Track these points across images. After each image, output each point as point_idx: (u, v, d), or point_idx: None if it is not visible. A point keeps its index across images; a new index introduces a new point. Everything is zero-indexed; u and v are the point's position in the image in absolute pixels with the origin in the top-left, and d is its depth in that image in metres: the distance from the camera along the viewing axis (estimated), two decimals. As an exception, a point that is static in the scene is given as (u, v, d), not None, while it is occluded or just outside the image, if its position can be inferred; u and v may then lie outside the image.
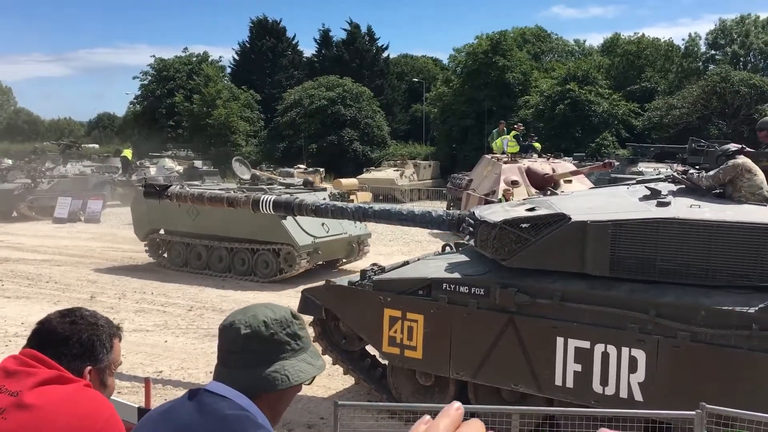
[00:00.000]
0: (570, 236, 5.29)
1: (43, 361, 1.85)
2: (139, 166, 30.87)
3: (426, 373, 6.04)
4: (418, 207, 8.15)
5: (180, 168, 32.84)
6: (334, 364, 6.58)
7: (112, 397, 3.88)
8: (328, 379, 7.18)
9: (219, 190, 13.11)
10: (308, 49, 51.50)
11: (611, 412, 4.63)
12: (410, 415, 5.60)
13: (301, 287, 7.01)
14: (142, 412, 3.71)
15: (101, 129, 69.65)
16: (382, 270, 6.35)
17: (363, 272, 6.24)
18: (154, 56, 48.32)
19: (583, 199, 5.92)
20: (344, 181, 29.46)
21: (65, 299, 11.19)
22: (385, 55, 50.20)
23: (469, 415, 4.45)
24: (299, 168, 31.21)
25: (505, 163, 15.76)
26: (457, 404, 0.77)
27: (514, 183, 14.57)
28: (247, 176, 15.55)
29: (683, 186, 5.68)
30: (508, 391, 5.72)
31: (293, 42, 51.16)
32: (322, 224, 12.39)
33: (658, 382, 4.99)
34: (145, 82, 47.62)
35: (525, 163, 15.85)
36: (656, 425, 4.83)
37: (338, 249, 13.41)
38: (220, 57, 63.60)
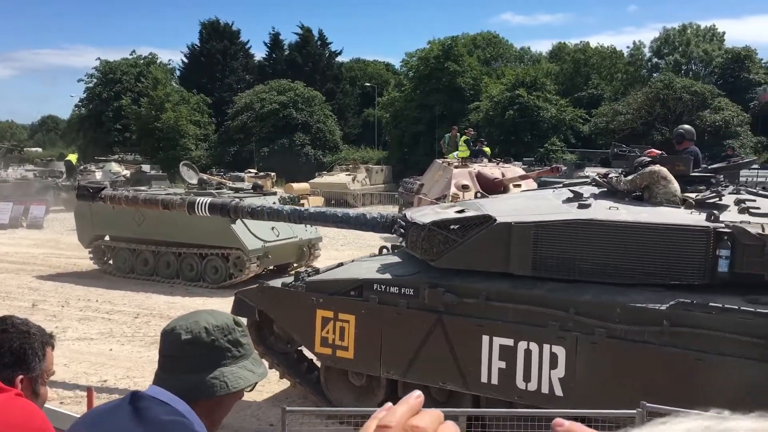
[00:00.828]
0: (495, 237, 5.46)
1: None
2: (84, 171, 30.20)
3: (358, 374, 6.14)
4: (368, 211, 8.23)
5: (127, 172, 32.24)
6: (270, 368, 6.62)
7: (54, 408, 3.86)
8: (277, 385, 7.19)
9: (165, 194, 13.01)
10: (259, 53, 51.22)
11: (551, 413, 4.74)
12: (359, 419, 5.68)
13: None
14: None
15: (45, 132, 67.95)
16: (317, 272, 6.44)
17: (297, 274, 6.31)
18: (99, 59, 47.35)
19: (511, 202, 6.13)
20: (296, 185, 29.41)
21: (5, 307, 10.91)
22: (338, 59, 50.35)
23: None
24: (250, 172, 31.02)
25: (456, 167, 16.00)
26: (417, 392, 0.78)
27: (465, 187, 14.77)
28: (194, 181, 15.31)
29: (605, 189, 5.92)
30: (437, 390, 5.86)
31: (245, 45, 50.84)
32: (272, 228, 12.32)
33: (577, 377, 5.20)
34: (91, 84, 46.67)
35: (475, 167, 16.10)
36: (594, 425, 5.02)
37: (289, 253, 13.37)
38: (170, 60, 62.64)
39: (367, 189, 32.80)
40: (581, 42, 43.24)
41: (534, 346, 5.31)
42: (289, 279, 6.33)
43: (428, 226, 5.60)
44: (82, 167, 30.51)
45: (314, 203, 26.03)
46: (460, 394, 5.75)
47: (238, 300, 6.42)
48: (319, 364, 6.45)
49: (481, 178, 15.25)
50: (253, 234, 12.11)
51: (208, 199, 6.98)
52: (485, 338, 5.44)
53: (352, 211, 6.75)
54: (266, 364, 6.62)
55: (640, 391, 5.01)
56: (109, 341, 9.25)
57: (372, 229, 6.54)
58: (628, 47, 42.70)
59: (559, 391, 5.27)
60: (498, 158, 20.33)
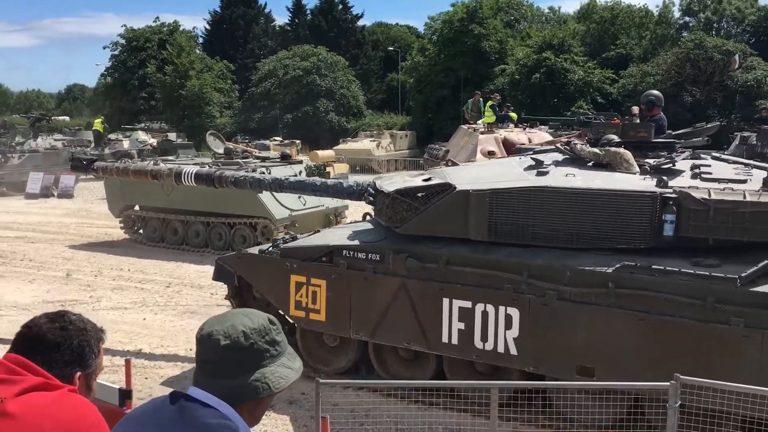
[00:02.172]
0: (455, 204, 5.76)
1: (29, 367, 1.86)
2: (112, 140, 30.81)
3: (332, 335, 6.54)
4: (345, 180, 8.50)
5: (154, 141, 32.83)
6: None
7: None
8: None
9: (193, 165, 13.35)
10: (281, 18, 51.30)
11: (592, 385, 5.02)
12: (392, 390, 6.02)
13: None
14: (123, 393, 3.77)
15: (72, 101, 69.19)
16: (293, 239, 6.81)
17: (274, 241, 6.69)
18: (124, 26, 47.98)
19: (475, 170, 6.40)
20: (321, 153, 29.66)
21: (41, 277, 11.34)
22: (360, 23, 50.18)
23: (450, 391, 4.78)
24: (275, 140, 31.40)
25: (482, 133, 16.14)
26: None
27: (491, 153, 14.89)
28: (221, 150, 15.61)
29: (568, 156, 6.13)
30: (404, 350, 6.23)
31: (265, 10, 50.97)
32: (299, 197, 12.48)
33: (530, 337, 5.51)
34: (116, 52, 47.38)
35: (501, 133, 16.19)
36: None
37: (315, 221, 13.44)
38: (194, 27, 63.00)
39: (391, 155, 33.01)
40: (611, 0, 42.37)
41: (490, 308, 5.63)
42: (266, 246, 6.73)
43: (392, 194, 5.91)
44: (108, 136, 31.12)
45: (339, 170, 26.27)
46: (425, 353, 6.11)
47: (218, 266, 6.83)
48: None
49: (507, 143, 15.35)
50: (280, 203, 12.29)
51: (194, 169, 7.38)
52: (446, 301, 5.77)
53: (330, 180, 7.09)
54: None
55: (588, 351, 5.32)
56: (142, 310, 9.47)
57: (348, 197, 6.88)
58: (657, 6, 41.91)
59: (514, 350, 5.59)
60: (524, 123, 20.32)
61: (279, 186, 7.01)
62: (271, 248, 6.56)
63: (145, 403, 1.84)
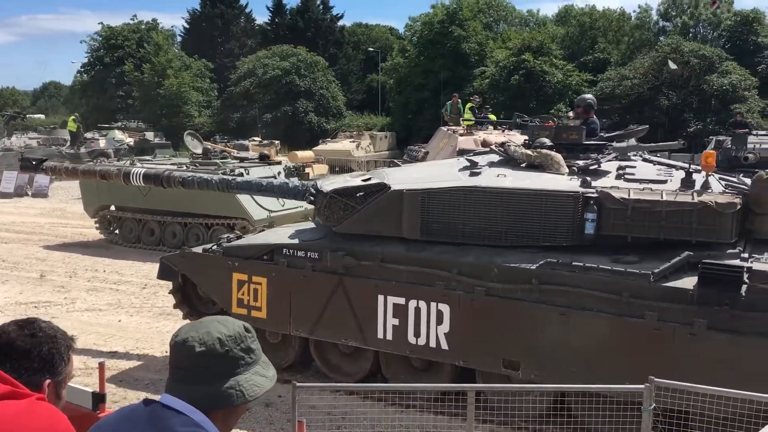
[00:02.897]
0: (389, 204, 6.00)
1: None
2: (89, 139, 30.71)
3: (273, 332, 6.74)
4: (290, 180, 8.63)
5: (131, 140, 32.78)
6: None
7: None
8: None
9: (170, 165, 13.21)
10: (261, 17, 51.19)
11: (565, 388, 5.13)
12: (368, 393, 6.11)
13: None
14: (96, 397, 3.71)
15: (47, 98, 68.73)
16: (238, 238, 7.01)
17: (218, 240, 6.89)
18: (101, 23, 47.82)
19: (413, 170, 6.65)
20: (300, 153, 29.76)
21: (14, 278, 11.27)
22: (340, 24, 50.33)
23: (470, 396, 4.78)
24: (254, 141, 31.47)
25: (461, 135, 16.37)
26: None
27: None
28: (199, 150, 15.51)
29: (503, 158, 6.39)
30: (343, 345, 6.45)
31: (245, 9, 51.00)
32: (278, 198, 12.35)
33: (460, 332, 5.75)
34: (94, 46, 47.21)
35: (480, 135, 16.42)
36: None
37: (294, 222, 13.53)
38: (172, 26, 62.94)
39: (371, 156, 33.16)
40: (587, 5, 43.00)
41: (423, 304, 5.87)
42: (210, 245, 6.92)
43: (330, 194, 6.14)
44: (84, 135, 31.02)
45: (318, 171, 26.35)
46: (363, 348, 6.34)
47: (162, 265, 7.00)
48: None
49: (486, 145, 15.57)
50: (258, 204, 12.24)
51: (143, 170, 7.56)
52: (381, 297, 6.00)
53: (275, 180, 7.28)
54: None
55: (513, 345, 5.57)
56: (117, 312, 9.39)
57: (294, 197, 7.08)
58: (634, 11, 42.49)
59: (445, 345, 5.83)
60: (503, 126, 20.60)
61: (226, 186, 7.20)
62: (214, 247, 6.75)
63: (117, 411, 1.83)
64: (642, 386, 4.23)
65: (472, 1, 42.40)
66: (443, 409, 5.84)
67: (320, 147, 32.82)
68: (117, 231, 14.35)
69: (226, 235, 6.94)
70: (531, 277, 5.44)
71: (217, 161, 13.81)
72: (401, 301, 5.94)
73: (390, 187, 5.99)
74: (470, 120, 19.91)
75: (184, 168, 12.76)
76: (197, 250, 6.92)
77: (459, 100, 22.73)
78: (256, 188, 7.15)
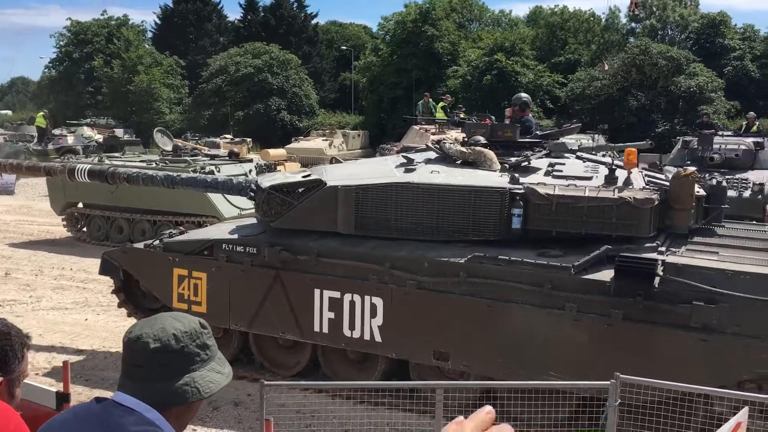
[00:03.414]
0: (325, 200, 6.17)
1: None
2: (56, 135, 30.48)
3: (215, 326, 6.87)
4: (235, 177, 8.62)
5: (100, 137, 32.56)
6: None
7: (30, 381, 3.82)
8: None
9: (139, 162, 13.11)
10: (233, 14, 50.91)
11: (533, 384, 5.10)
12: (338, 391, 6.15)
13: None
14: (60, 396, 3.67)
15: (15, 94, 67.91)
16: (181, 234, 7.13)
17: (160, 236, 7.01)
18: (69, 19, 47.33)
19: (351, 167, 6.83)
20: (272, 151, 29.69)
21: None
22: (313, 22, 50.35)
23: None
24: (225, 138, 31.43)
25: (433, 134, 16.54)
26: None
27: None
28: (169, 147, 15.46)
29: (439, 155, 6.58)
30: (282, 339, 6.60)
31: (218, 6, 50.81)
32: (236, 195, 12.49)
33: (393, 325, 5.93)
34: (63, 43, 46.80)
35: (452, 134, 16.61)
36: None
37: None
38: (143, 21, 62.48)
39: (344, 154, 33.20)
40: (556, 6, 43.57)
41: (357, 298, 6.04)
42: (151, 240, 7.04)
43: (267, 189, 6.29)
44: (52, 131, 30.78)
45: (291, 169, 26.21)
46: (301, 342, 6.50)
47: (104, 261, 7.09)
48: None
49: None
50: (229, 202, 12.12)
51: (88, 166, 7.66)
52: (317, 291, 6.16)
53: (220, 176, 7.40)
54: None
55: (443, 337, 5.76)
56: (84, 311, 9.30)
57: (238, 193, 7.22)
58: (603, 13, 43.05)
59: (378, 338, 6.01)
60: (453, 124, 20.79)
61: (171, 182, 7.32)
62: (155, 242, 6.86)
63: (69, 409, 1.79)
64: (608, 382, 4.33)
65: (444, 0, 42.70)
66: (412, 406, 5.90)
67: (293, 145, 32.81)
68: (85, 229, 14.21)
69: (168, 231, 7.05)
70: (459, 271, 5.64)
71: (188, 158, 13.71)
72: (336, 294, 6.11)
73: (326, 184, 6.15)
74: (442, 119, 20.16)
75: (154, 165, 12.72)
76: (138, 246, 7.03)
77: (431, 99, 22.97)
78: (201, 184, 7.28)
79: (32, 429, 1.83)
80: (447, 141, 6.53)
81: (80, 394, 6.15)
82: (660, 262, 5.14)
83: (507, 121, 7.95)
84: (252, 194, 6.61)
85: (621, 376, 4.35)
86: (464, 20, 46.00)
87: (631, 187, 5.69)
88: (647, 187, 5.72)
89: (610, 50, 38.28)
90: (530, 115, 7.70)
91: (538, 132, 7.23)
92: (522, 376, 5.50)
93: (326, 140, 33.07)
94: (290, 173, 6.93)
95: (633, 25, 41.25)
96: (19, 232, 15.39)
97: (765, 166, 13.47)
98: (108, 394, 1.71)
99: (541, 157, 6.37)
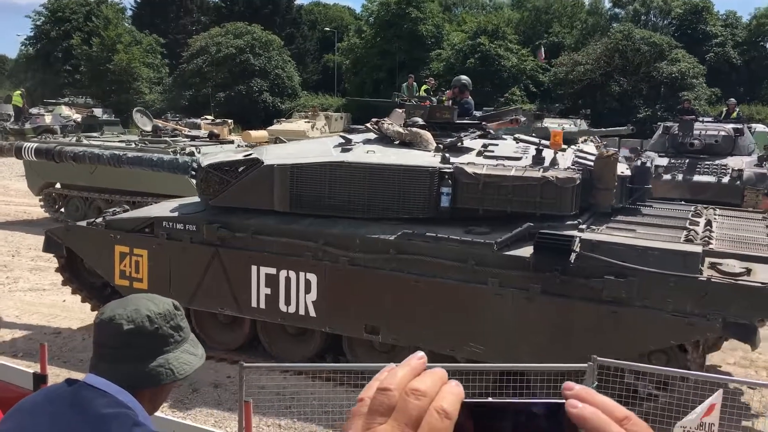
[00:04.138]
0: (261, 178, 6.37)
1: None
2: (34, 115, 30.39)
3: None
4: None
5: (78, 116, 32.44)
6: (83, 301, 7.50)
7: (7, 362, 4.00)
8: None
9: (118, 142, 13.10)
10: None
11: (507, 367, 5.28)
12: (317, 373, 6.29)
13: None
14: (37, 378, 3.70)
15: (-9, 72, 67.51)
16: (125, 212, 7.33)
17: (103, 214, 7.20)
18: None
19: (290, 147, 7.03)
20: (254, 133, 29.70)
21: None
22: (297, 2, 50.33)
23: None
24: (206, 119, 31.43)
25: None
26: (420, 353, 0.78)
27: None
28: (148, 128, 15.30)
29: (378, 135, 6.79)
30: (222, 315, 6.83)
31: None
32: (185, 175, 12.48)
33: (326, 300, 6.17)
34: (39, 22, 46.50)
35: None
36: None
37: None
38: (122, -1, 61.93)
39: (326, 137, 33.36)
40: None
41: (293, 274, 6.26)
42: (93, 219, 7.23)
43: (206, 168, 6.50)
44: (30, 110, 30.69)
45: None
46: (241, 317, 6.72)
47: (47, 238, 7.24)
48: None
49: None
50: None
51: (35, 144, 7.83)
52: (254, 268, 6.38)
53: (166, 156, 7.59)
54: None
55: (374, 311, 6.02)
56: (62, 292, 9.03)
57: (184, 172, 7.41)
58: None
59: (313, 312, 6.25)
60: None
61: (117, 161, 7.49)
62: (97, 220, 7.05)
63: (40, 391, 1.80)
64: (585, 365, 4.40)
65: (429, -18, 42.81)
66: None
67: (275, 127, 32.78)
68: (62, 209, 14.07)
69: (111, 209, 7.23)
70: (389, 248, 5.87)
71: (167, 139, 13.67)
72: (272, 271, 6.32)
73: (263, 163, 6.36)
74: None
75: (133, 146, 12.71)
76: (81, 224, 7.20)
77: (414, 83, 23.12)
78: (147, 163, 7.46)
79: (5, 409, 1.81)
80: (385, 122, 6.74)
81: (57, 376, 6.18)
82: (576, 238, 5.40)
83: (448, 103, 8.17)
84: (193, 173, 6.80)
85: (598, 358, 4.42)
86: (449, 3, 46.09)
87: (556, 167, 5.94)
88: (571, 167, 5.97)
89: (593, 35, 38.51)
90: (469, 97, 7.91)
91: (476, 114, 7.46)
92: (447, 349, 5.80)
93: (309, 122, 33.12)
94: (232, 152, 7.12)
95: (616, 10, 41.48)
96: None
97: (744, 152, 13.69)
98: (83, 375, 1.72)
99: (476, 138, 6.60)
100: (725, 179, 12.99)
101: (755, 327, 4.92)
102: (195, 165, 6.84)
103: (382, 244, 5.93)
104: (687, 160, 13.79)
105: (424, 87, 22.17)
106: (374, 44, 41.71)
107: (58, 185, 14.02)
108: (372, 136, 6.88)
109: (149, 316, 1.69)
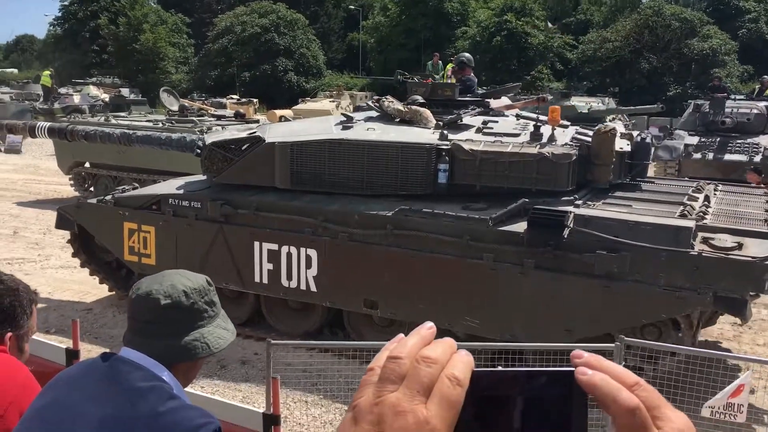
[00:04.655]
0: (263, 156, 6.53)
1: None
2: (63, 94, 30.88)
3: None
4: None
5: (106, 96, 32.88)
6: (92, 274, 7.73)
7: (40, 338, 4.11)
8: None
9: (146, 122, 13.38)
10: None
11: (536, 347, 5.29)
12: (344, 351, 6.36)
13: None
14: (69, 353, 3.79)
15: (20, 52, 68.46)
16: (135, 189, 7.55)
17: (113, 191, 7.43)
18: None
19: (294, 126, 7.18)
20: (279, 112, 29.88)
21: None
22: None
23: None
24: (232, 98, 31.70)
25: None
26: (429, 324, 0.77)
27: None
28: (175, 107, 15.54)
29: (379, 113, 6.89)
30: (227, 290, 7.01)
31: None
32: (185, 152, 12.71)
33: (326, 275, 6.32)
34: (66, 2, 47.12)
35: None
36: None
37: None
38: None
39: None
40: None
41: (294, 250, 6.41)
42: (103, 196, 7.47)
43: (209, 146, 6.67)
44: (59, 90, 31.19)
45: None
46: (245, 292, 6.91)
47: (59, 215, 7.48)
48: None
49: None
50: None
51: (47, 124, 8.06)
52: (256, 244, 6.54)
53: (174, 135, 7.77)
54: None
55: (372, 286, 6.16)
56: None
57: (191, 150, 7.58)
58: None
59: (314, 287, 6.41)
60: (483, 87, 20.97)
61: (127, 140, 7.70)
62: (107, 198, 7.28)
63: (76, 365, 1.84)
64: (612, 345, 4.44)
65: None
66: None
67: (299, 106, 32.95)
68: (92, 188, 14.16)
69: (121, 187, 7.45)
70: (386, 224, 5.99)
71: (194, 119, 13.86)
72: (274, 247, 6.49)
73: (264, 140, 6.51)
74: (451, 80, 20.25)
75: (160, 125, 12.91)
76: (92, 201, 7.43)
77: (440, 61, 23.06)
78: (156, 142, 7.65)
79: (42, 384, 1.87)
80: (386, 100, 6.83)
81: (89, 351, 6.36)
82: (570, 214, 5.47)
83: (451, 81, 8.22)
84: (198, 151, 6.98)
85: (625, 339, 4.47)
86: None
87: (554, 143, 5.99)
88: (569, 143, 6.02)
89: (622, 11, 37.92)
90: (471, 74, 7.95)
91: (478, 91, 7.51)
92: (444, 323, 5.93)
93: (333, 101, 33.31)
94: (236, 130, 7.28)
95: (647, -16, 40.76)
96: (26, 191, 15.61)
97: (777, 130, 13.48)
98: (116, 350, 1.76)
99: (476, 115, 6.67)
100: (757, 158, 12.81)
101: (745, 300, 4.95)
102: (200, 143, 7.00)
103: (380, 220, 6.05)
104: (718, 139, 13.64)
105: (450, 65, 22.07)
106: (399, 22, 41.55)
107: (87, 164, 14.20)
108: (373, 113, 6.99)
109: (186, 292, 1.74)
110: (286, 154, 6.40)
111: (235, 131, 7.12)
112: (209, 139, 6.81)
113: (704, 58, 33.96)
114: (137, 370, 1.65)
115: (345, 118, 6.72)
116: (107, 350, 1.81)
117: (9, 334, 1.98)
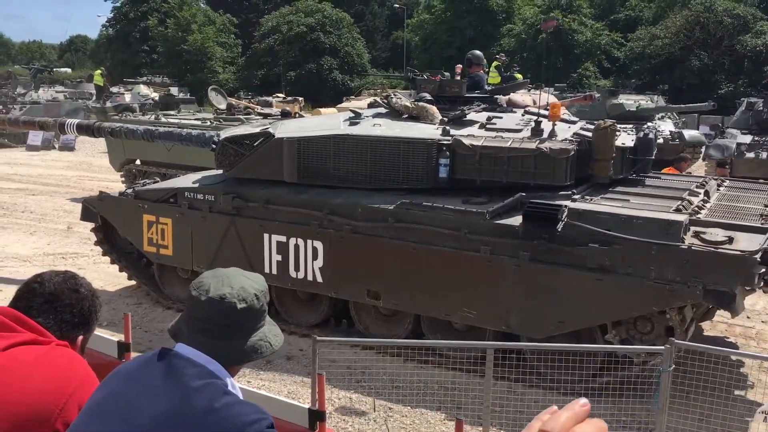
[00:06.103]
0: (272, 151, 6.82)
1: (25, 323, 1.93)
2: (114, 93, 31.86)
3: (181, 268, 7.66)
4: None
5: (156, 95, 33.79)
6: (112, 263, 8.13)
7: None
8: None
9: (194, 120, 13.86)
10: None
11: (574, 347, 5.44)
12: (387, 348, 6.50)
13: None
14: (121, 346, 3.93)
15: (74, 52, 70.79)
16: (155, 182, 7.93)
17: (134, 185, 7.82)
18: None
19: (304, 122, 7.46)
20: (324, 110, 30.37)
21: (42, 229, 11.70)
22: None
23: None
24: (278, 97, 32.28)
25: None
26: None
27: None
28: (223, 106, 15.92)
29: (387, 110, 7.09)
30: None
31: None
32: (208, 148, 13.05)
33: (332, 266, 6.57)
34: (118, 4, 48.65)
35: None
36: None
37: None
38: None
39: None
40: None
41: (301, 242, 6.69)
42: (124, 190, 7.87)
43: (222, 141, 6.99)
44: (110, 89, 32.21)
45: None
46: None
47: (84, 207, 7.90)
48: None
49: (511, 104, 15.99)
50: None
51: (76, 121, 8.51)
52: (266, 236, 6.84)
53: (195, 131, 8.13)
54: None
55: (375, 277, 6.38)
56: None
57: (209, 146, 7.91)
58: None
59: (320, 278, 6.67)
60: (530, 84, 20.91)
61: (150, 136, 8.08)
62: (128, 191, 7.68)
63: (135, 358, 1.88)
64: (662, 348, 4.48)
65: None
66: (461, 366, 6.09)
67: (344, 105, 33.33)
68: None
69: (142, 181, 7.83)
70: (388, 216, 6.21)
71: (241, 117, 14.22)
72: (283, 239, 6.77)
73: (274, 136, 6.80)
74: (496, 78, 20.31)
75: (209, 124, 13.32)
76: (114, 194, 7.85)
77: (485, 60, 23.00)
78: (177, 138, 8.01)
79: (97, 375, 1.96)
80: (394, 96, 7.03)
81: (140, 344, 6.50)
82: (564, 207, 5.59)
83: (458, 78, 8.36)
84: (213, 146, 7.31)
85: (676, 341, 4.50)
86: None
87: (554, 138, 6.11)
88: (569, 139, 6.12)
89: (672, 7, 37.23)
90: (481, 71, 8.08)
91: (487, 87, 7.64)
92: (443, 313, 6.12)
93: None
94: (251, 126, 7.58)
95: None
96: (79, 187, 15.97)
97: (834, 130, 13.20)
98: (165, 344, 1.81)
99: (481, 111, 6.82)
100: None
101: (734, 294, 5.01)
102: (215, 139, 7.32)
103: (382, 213, 6.27)
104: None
105: (495, 64, 22.09)
106: (444, 20, 41.63)
107: (138, 162, 14.58)
108: (382, 110, 7.20)
109: (256, 295, 1.79)
110: (294, 149, 6.67)
111: (249, 127, 7.41)
112: (222, 134, 7.13)
113: (757, 54, 33.13)
114: (193, 366, 1.70)
115: (353, 114, 6.95)
116: (156, 345, 2.08)
117: (81, 337, 2.07)
